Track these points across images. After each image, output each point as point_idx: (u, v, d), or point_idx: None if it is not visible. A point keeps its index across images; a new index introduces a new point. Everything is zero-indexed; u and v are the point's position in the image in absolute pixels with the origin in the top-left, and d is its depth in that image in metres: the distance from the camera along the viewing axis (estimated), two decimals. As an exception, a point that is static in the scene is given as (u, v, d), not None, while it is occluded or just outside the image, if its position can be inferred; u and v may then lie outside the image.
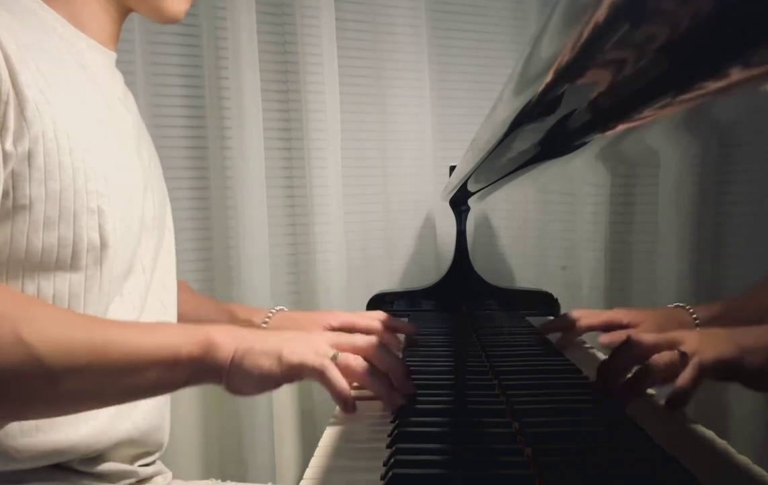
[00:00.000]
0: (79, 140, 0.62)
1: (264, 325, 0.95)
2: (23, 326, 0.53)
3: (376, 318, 0.99)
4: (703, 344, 0.46)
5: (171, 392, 0.63)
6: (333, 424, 0.73)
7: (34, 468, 0.62)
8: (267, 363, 0.63)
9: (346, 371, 0.67)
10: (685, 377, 0.48)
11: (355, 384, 0.73)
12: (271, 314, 0.97)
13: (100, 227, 0.63)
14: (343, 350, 0.68)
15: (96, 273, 0.63)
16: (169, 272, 0.80)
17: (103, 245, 0.63)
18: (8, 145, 0.57)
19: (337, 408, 0.72)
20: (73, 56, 0.67)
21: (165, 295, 0.78)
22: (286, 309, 0.99)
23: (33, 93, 0.58)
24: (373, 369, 0.69)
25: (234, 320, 0.95)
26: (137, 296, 0.71)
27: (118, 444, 0.68)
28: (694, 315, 0.51)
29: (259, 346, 0.63)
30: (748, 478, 0.36)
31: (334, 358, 0.67)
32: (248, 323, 0.95)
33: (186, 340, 0.60)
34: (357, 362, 0.67)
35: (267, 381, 0.64)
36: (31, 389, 0.54)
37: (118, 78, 0.77)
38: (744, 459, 0.38)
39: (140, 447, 0.72)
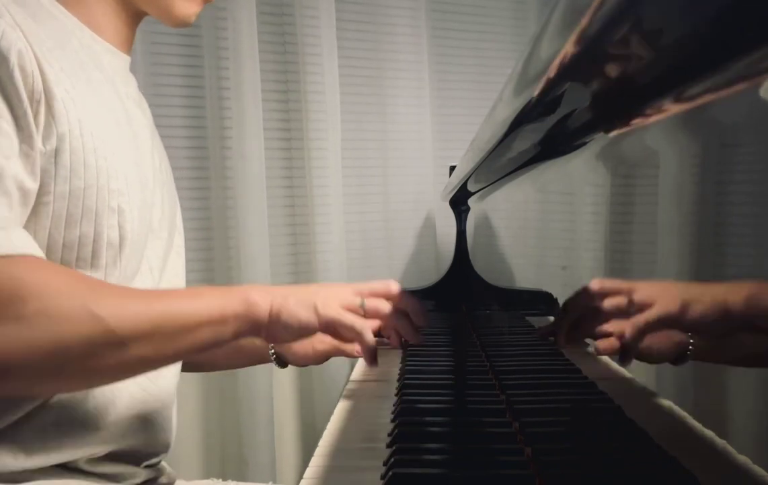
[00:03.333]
0: (102, 139, 0.63)
1: None
2: (92, 300, 0.57)
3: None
4: (655, 295, 0.46)
5: (220, 347, 0.67)
6: (335, 419, 0.73)
7: (42, 468, 0.63)
8: (305, 313, 0.68)
9: (374, 314, 0.74)
10: (630, 326, 0.49)
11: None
12: None
13: (120, 226, 0.64)
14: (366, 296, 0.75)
15: (114, 271, 0.65)
16: (178, 275, 0.81)
17: (122, 243, 0.65)
18: (38, 143, 0.58)
19: (338, 403, 0.78)
20: (91, 59, 0.68)
21: None
22: None
23: (60, 91, 0.59)
24: (397, 312, 0.76)
25: None
26: None
27: (126, 440, 0.69)
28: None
29: (293, 298, 0.69)
30: (748, 478, 0.36)
31: (361, 305, 0.73)
32: None
33: (229, 300, 0.66)
34: (384, 305, 0.74)
35: (305, 329, 0.69)
36: (103, 357, 0.58)
37: (132, 81, 0.78)
38: (744, 459, 0.38)
39: (148, 448, 0.72)
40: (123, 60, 0.76)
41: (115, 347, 0.58)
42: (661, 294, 0.45)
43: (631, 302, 0.49)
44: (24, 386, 0.58)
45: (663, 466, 0.49)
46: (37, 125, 0.58)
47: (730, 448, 0.43)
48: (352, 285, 0.77)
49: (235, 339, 0.67)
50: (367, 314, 0.74)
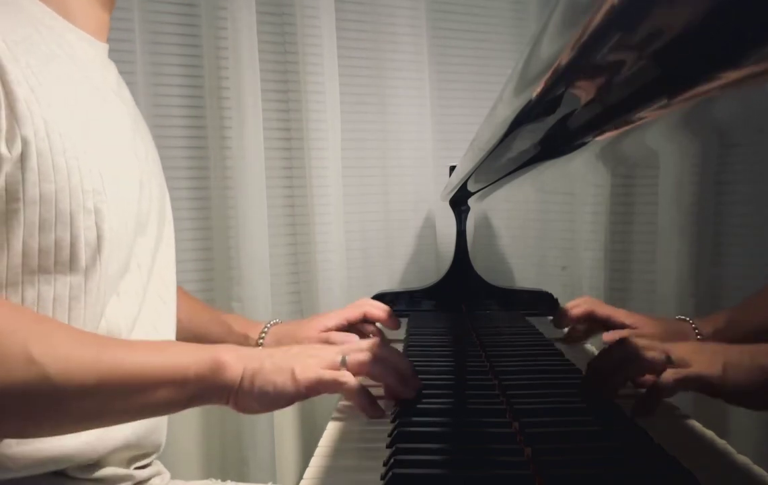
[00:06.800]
0: (73, 138, 0.60)
1: (261, 339, 0.95)
2: (34, 343, 0.53)
3: (365, 306, 1.04)
4: (691, 357, 0.47)
5: (176, 411, 0.63)
6: (335, 419, 0.73)
7: (30, 476, 0.61)
8: (281, 380, 0.64)
9: (358, 369, 0.70)
10: (663, 382, 0.50)
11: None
12: (267, 328, 0.96)
13: (97, 226, 0.61)
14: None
15: (94, 273, 0.62)
16: (168, 267, 0.79)
17: (100, 244, 0.62)
18: (2, 148, 0.55)
19: (339, 403, 0.76)
20: (64, 50, 0.65)
21: (164, 290, 0.77)
22: (280, 322, 0.98)
23: (24, 91, 0.57)
24: (384, 364, 0.72)
25: (230, 333, 0.95)
26: (134, 294, 0.70)
27: (116, 450, 0.67)
28: (696, 329, 0.51)
29: (269, 364, 0.64)
30: (748, 478, 0.36)
31: (343, 362, 0.69)
32: (244, 339, 0.95)
33: (194, 360, 0.61)
34: (366, 357, 0.70)
35: (281, 397, 0.64)
36: (38, 407, 0.54)
37: (111, 69, 0.75)
38: (744, 459, 0.38)
39: (138, 450, 0.71)
40: (100, 49, 0.72)
41: (52, 396, 0.54)
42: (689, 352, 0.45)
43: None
44: None
45: (663, 466, 0.49)
46: None
47: (730, 448, 0.43)
48: (337, 343, 0.77)
49: (195, 405, 0.62)
50: (350, 370, 0.69)
